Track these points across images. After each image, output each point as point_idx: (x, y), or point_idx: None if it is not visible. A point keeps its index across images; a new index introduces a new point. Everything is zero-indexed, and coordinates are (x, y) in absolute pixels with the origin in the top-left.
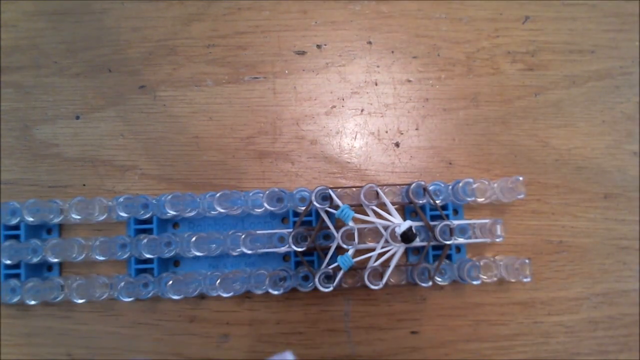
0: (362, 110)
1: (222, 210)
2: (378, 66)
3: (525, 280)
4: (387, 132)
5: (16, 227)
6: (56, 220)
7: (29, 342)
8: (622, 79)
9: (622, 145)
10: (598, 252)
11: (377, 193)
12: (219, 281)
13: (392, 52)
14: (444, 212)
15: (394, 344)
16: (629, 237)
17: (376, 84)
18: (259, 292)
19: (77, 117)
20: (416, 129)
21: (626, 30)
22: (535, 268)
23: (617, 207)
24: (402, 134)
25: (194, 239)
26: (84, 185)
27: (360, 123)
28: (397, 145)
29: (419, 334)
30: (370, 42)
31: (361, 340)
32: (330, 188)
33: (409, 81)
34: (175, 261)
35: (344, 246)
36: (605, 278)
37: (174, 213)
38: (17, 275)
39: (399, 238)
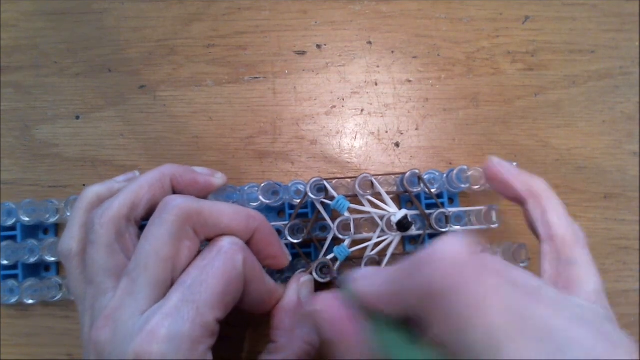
0: (362, 110)
1: None
2: (378, 66)
3: (522, 265)
4: (387, 132)
5: (12, 227)
6: (52, 220)
7: (29, 342)
8: (622, 79)
9: (622, 145)
10: (598, 252)
11: (372, 183)
12: None
13: (392, 52)
14: (440, 201)
15: None
16: (629, 237)
17: (376, 84)
18: None
19: (77, 117)
20: (416, 129)
21: (626, 30)
22: (536, 268)
23: (617, 207)
24: (402, 134)
25: None
26: (84, 185)
27: (360, 123)
28: (397, 145)
29: None
30: (370, 42)
31: None
32: (325, 179)
33: (409, 81)
34: None
35: (340, 237)
36: (605, 278)
37: None
38: (14, 276)
39: (395, 227)
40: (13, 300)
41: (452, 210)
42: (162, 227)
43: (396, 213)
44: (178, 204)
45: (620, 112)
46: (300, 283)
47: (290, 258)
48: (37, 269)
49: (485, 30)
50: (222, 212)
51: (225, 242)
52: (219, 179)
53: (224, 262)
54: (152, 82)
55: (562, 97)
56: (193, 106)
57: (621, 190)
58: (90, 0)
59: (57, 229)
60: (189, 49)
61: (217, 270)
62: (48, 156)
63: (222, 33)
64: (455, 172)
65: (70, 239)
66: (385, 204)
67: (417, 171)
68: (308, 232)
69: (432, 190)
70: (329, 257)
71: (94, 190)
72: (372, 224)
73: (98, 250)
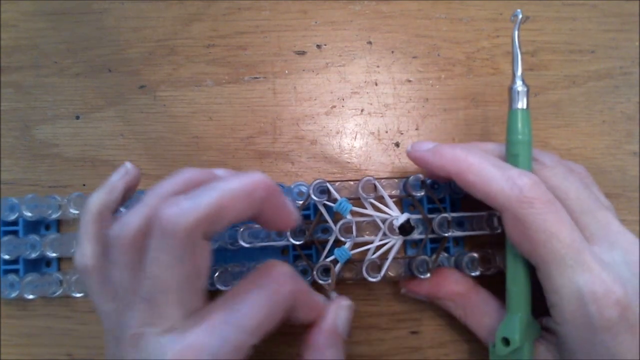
0: (362, 110)
1: None
2: (378, 66)
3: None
4: (387, 132)
5: (14, 222)
6: (55, 216)
7: (29, 342)
8: (622, 79)
9: (622, 145)
10: None
11: (375, 186)
12: (217, 275)
13: (392, 52)
14: (442, 205)
15: (394, 344)
16: None
17: (376, 84)
18: None
19: (77, 117)
20: (416, 129)
21: (626, 30)
22: None
23: (617, 207)
24: (402, 134)
25: None
26: (84, 185)
27: (360, 123)
28: (397, 145)
29: (419, 334)
30: (370, 42)
31: (361, 340)
32: (328, 181)
33: (409, 81)
34: None
35: (342, 239)
36: None
37: None
38: (15, 271)
39: (397, 231)
40: (13, 294)
41: (454, 215)
42: (172, 253)
43: (398, 217)
44: (179, 223)
45: (620, 112)
46: (339, 307)
47: (297, 217)
48: (38, 265)
49: (485, 30)
50: (224, 205)
51: (278, 272)
52: None
53: (273, 292)
54: (152, 82)
55: (562, 97)
56: (193, 106)
57: (621, 190)
58: (90, 0)
59: (59, 225)
60: (189, 49)
61: (265, 299)
62: (48, 156)
63: (222, 33)
64: None
65: (84, 257)
66: (388, 207)
67: (420, 176)
68: (310, 233)
69: (435, 195)
70: (330, 259)
71: (97, 200)
72: (374, 226)
73: (121, 271)
